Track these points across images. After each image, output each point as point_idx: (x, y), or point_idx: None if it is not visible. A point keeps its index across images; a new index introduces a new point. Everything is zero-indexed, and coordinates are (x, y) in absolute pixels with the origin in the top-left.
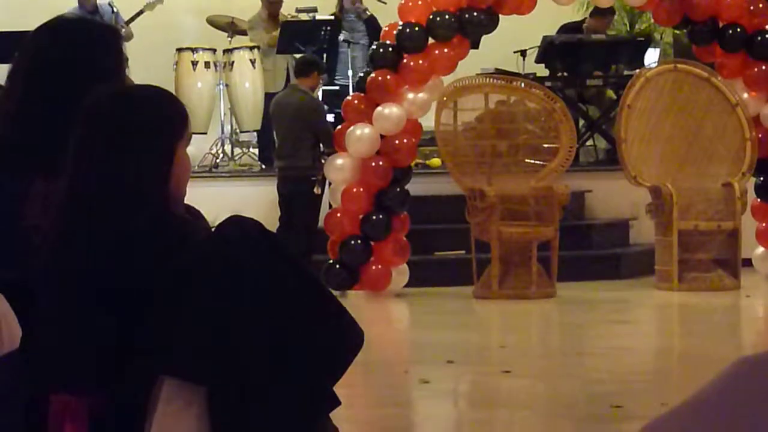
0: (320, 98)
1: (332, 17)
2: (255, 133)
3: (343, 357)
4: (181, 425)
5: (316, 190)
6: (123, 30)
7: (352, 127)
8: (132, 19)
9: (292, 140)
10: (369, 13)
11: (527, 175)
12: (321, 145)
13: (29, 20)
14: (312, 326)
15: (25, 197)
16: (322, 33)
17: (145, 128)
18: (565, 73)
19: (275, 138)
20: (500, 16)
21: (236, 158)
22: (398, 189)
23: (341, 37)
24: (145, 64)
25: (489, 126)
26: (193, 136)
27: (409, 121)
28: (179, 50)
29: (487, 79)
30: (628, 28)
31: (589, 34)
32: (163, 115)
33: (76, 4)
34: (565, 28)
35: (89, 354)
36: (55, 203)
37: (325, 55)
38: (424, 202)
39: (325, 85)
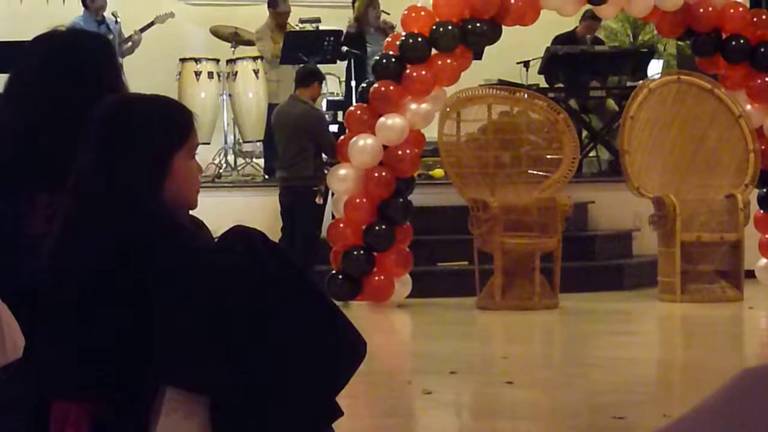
0: (324, 108)
1: (338, 29)
2: (259, 144)
3: (346, 367)
4: None
5: (319, 201)
6: (130, 44)
7: (354, 138)
8: (142, 30)
9: (294, 150)
10: (394, 27)
11: (530, 186)
12: (323, 155)
13: (35, 31)
14: (314, 336)
15: (30, 208)
16: (326, 43)
17: (137, 136)
18: (568, 84)
19: (277, 148)
20: (503, 27)
21: (239, 168)
22: (401, 200)
23: (369, 50)
24: (148, 74)
25: (492, 137)
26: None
27: (412, 131)
28: (182, 60)
29: (490, 90)
30: (632, 40)
31: (582, 38)
32: (159, 124)
33: (81, 14)
34: (559, 40)
35: (90, 360)
36: (61, 211)
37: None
38: (427, 213)
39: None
